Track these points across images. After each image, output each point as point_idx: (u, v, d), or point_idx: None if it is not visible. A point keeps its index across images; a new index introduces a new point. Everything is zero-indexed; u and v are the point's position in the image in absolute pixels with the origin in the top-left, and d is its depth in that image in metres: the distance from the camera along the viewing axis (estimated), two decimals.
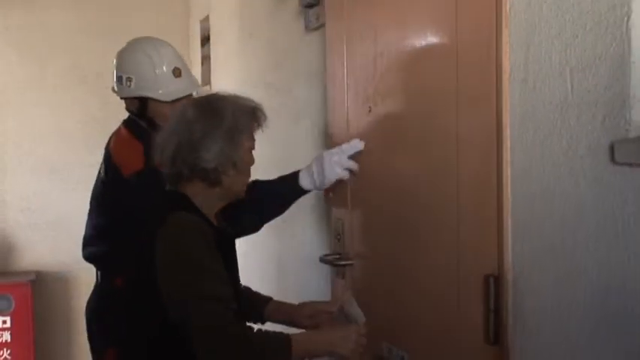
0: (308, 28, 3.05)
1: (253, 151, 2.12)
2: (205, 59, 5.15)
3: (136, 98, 2.61)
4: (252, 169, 2.15)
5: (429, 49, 2.13)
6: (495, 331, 1.82)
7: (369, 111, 2.43)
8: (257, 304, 2.31)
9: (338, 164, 2.32)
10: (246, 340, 1.87)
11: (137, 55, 2.63)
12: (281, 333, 1.95)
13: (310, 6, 2.96)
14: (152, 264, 1.89)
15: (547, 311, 1.65)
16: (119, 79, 2.63)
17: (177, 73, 2.61)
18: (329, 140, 2.70)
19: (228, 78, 4.47)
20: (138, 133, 2.66)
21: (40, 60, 5.36)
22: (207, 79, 5.03)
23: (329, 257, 2.58)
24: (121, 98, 2.67)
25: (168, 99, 2.55)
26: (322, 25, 2.88)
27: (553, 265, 1.62)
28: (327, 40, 2.71)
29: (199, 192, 2.00)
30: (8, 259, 5.35)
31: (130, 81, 2.60)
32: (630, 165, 1.39)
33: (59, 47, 5.32)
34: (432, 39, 2.11)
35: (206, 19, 5.10)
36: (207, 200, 2.03)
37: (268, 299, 2.34)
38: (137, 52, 2.64)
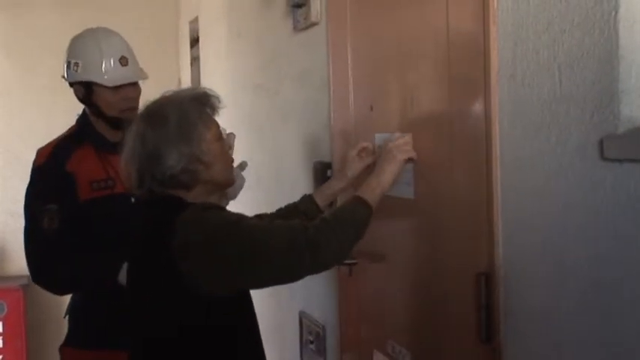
0: (296, 29, 3.04)
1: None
2: (195, 60, 5.14)
3: (81, 84, 2.61)
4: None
5: (422, 48, 2.13)
6: (487, 329, 1.82)
7: (371, 109, 2.45)
8: (305, 207, 2.29)
9: None
10: (330, 224, 1.86)
11: (86, 41, 2.65)
12: (349, 200, 1.99)
13: (298, 6, 2.94)
14: (169, 261, 1.79)
15: (538, 308, 1.64)
16: (68, 64, 2.64)
17: (123, 61, 2.63)
18: (333, 139, 2.70)
19: (217, 79, 4.46)
20: None
21: (28, 62, 5.33)
22: (196, 81, 5.02)
23: None
24: (70, 85, 2.67)
25: (111, 84, 2.56)
26: (311, 25, 2.87)
27: (544, 262, 1.61)
28: (330, 39, 2.70)
29: (185, 195, 1.91)
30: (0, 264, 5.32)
31: (77, 66, 2.61)
32: (620, 161, 1.39)
33: (47, 49, 5.26)
34: (425, 37, 2.11)
35: (195, 20, 5.09)
36: (199, 200, 1.93)
37: (308, 196, 2.33)
38: (86, 38, 2.66)
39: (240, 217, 1.87)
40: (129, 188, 1.99)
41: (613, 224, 1.41)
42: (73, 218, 2.48)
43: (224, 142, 2.01)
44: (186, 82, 5.43)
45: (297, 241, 1.80)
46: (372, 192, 1.99)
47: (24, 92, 5.31)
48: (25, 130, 5.26)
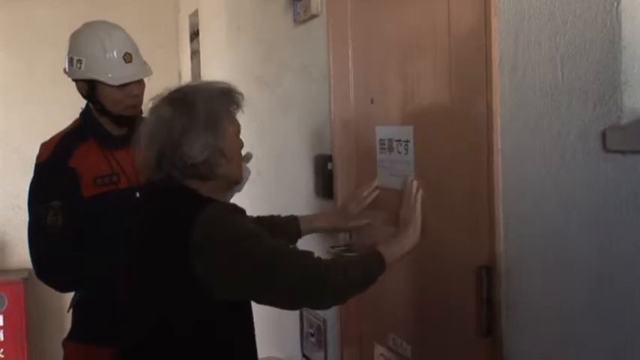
0: (296, 21, 3.03)
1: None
2: (195, 54, 5.13)
3: (85, 81, 2.56)
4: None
5: (423, 40, 2.11)
6: (488, 323, 1.81)
7: (372, 102, 2.44)
8: (287, 227, 2.37)
9: None
10: (343, 267, 1.91)
11: (88, 37, 2.58)
12: (369, 252, 2.00)
13: None
14: (184, 256, 1.78)
15: (539, 302, 1.63)
16: (70, 60, 2.58)
17: (128, 58, 2.57)
18: (333, 132, 2.69)
19: (217, 72, 4.44)
20: None
21: (28, 56, 5.33)
22: (197, 74, 5.01)
23: (337, 248, 2.62)
24: (73, 80, 2.63)
25: (117, 83, 2.51)
26: (311, 18, 2.86)
27: (545, 255, 1.60)
28: (330, 31, 2.68)
29: (199, 187, 1.90)
30: (0, 258, 5.32)
31: (80, 63, 2.55)
32: (622, 152, 1.38)
33: (47, 42, 5.27)
34: (426, 29, 2.09)
35: (195, 13, 5.08)
36: (212, 195, 1.91)
37: (294, 218, 2.40)
38: (89, 34, 2.59)
39: (261, 230, 1.90)
40: (141, 171, 1.98)
41: (615, 216, 1.40)
42: (77, 215, 2.45)
43: (240, 141, 2.02)
44: (186, 76, 5.43)
45: (310, 270, 1.85)
46: (391, 255, 2.00)
47: (24, 85, 5.31)
48: (26, 124, 5.26)
